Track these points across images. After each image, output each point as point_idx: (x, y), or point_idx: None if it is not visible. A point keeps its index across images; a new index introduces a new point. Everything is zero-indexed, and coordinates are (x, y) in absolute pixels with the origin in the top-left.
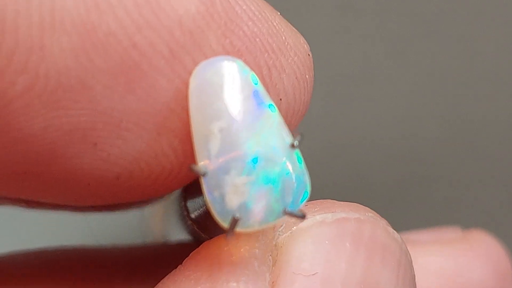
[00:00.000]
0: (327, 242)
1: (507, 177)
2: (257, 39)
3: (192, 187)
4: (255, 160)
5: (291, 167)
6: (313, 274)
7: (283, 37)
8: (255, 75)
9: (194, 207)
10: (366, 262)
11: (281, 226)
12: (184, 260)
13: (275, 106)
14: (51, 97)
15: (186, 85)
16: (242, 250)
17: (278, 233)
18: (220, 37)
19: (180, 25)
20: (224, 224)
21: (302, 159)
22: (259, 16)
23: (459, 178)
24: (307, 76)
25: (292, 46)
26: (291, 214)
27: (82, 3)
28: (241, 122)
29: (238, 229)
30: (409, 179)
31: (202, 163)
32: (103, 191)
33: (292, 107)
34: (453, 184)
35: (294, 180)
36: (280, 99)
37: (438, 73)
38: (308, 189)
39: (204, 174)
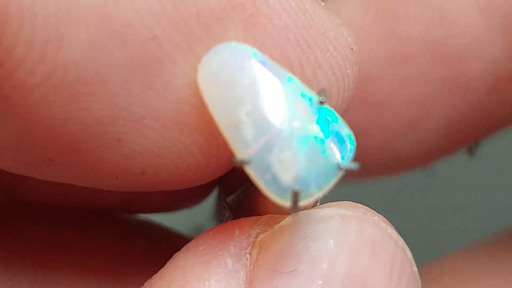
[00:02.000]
0: (308, 239)
1: None
2: (289, 33)
3: (227, 182)
4: (292, 132)
5: (326, 126)
6: (291, 271)
7: (322, 30)
8: (257, 52)
9: (233, 202)
10: (350, 258)
11: (260, 224)
12: (167, 262)
13: (291, 76)
14: (69, 89)
15: None
16: (216, 249)
17: (257, 230)
18: (241, 31)
19: (197, 17)
20: (286, 202)
21: (335, 112)
22: (296, 8)
23: None
24: (348, 71)
25: (332, 40)
26: (347, 168)
27: None
28: (265, 99)
29: (300, 202)
30: None
31: (242, 152)
32: (132, 184)
33: (328, 104)
34: None
35: (334, 136)
36: None
37: None
38: (352, 137)
39: (248, 163)
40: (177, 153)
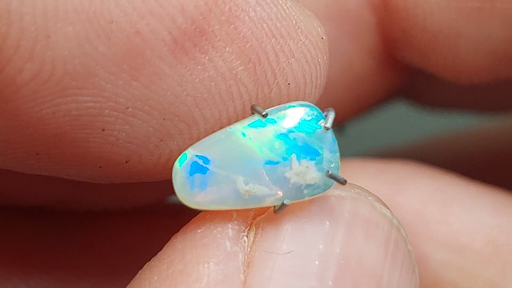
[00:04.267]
0: (303, 220)
1: None
2: (264, 24)
3: None
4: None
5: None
6: (288, 253)
7: (294, 21)
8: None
9: None
10: (346, 238)
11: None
12: (165, 245)
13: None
14: (57, 84)
15: (190, 71)
16: (214, 231)
17: (254, 212)
18: (224, 23)
19: (182, 12)
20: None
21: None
22: (268, 0)
23: None
24: (319, 59)
25: (303, 30)
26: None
27: None
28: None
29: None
30: None
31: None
32: (115, 173)
33: (302, 91)
34: None
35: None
36: (288, 84)
37: None
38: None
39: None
40: (160, 138)
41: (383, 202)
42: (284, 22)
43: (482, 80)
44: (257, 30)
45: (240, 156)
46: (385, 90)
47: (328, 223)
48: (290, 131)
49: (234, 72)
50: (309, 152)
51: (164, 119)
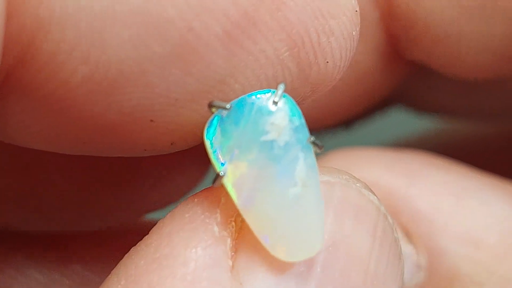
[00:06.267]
0: None
1: None
2: (308, 7)
3: None
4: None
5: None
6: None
7: None
8: None
9: None
10: (335, 223)
11: None
12: (151, 229)
13: None
14: (110, 84)
15: (243, 62)
16: (202, 216)
17: None
18: (274, 11)
19: (235, 4)
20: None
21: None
22: None
23: None
24: (354, 33)
25: (341, 6)
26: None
27: None
28: None
29: None
30: None
31: None
32: (159, 151)
33: (338, 67)
34: None
35: None
36: (327, 62)
37: None
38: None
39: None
40: (205, 122)
41: (370, 188)
42: (326, 1)
43: (485, 76)
44: (302, 14)
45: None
46: (389, 86)
47: None
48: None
49: (281, 57)
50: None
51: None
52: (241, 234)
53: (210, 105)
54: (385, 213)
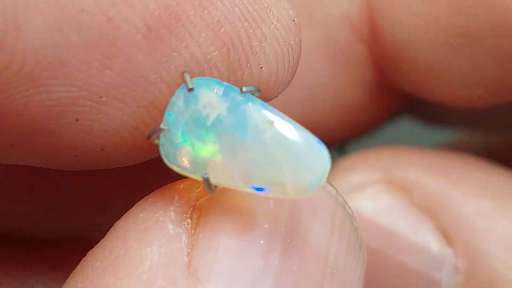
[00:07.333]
0: (248, 200)
1: None
2: (236, 8)
3: None
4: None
5: None
6: (232, 231)
7: (265, 4)
8: None
9: None
10: (291, 215)
11: (199, 188)
12: (107, 232)
13: None
14: (29, 75)
15: (166, 58)
16: (156, 215)
17: (196, 194)
18: (198, 8)
19: None
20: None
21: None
22: None
23: None
24: (291, 42)
25: (275, 13)
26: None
27: None
28: None
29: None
30: None
31: None
32: (90, 161)
33: (275, 74)
34: None
35: None
36: (261, 68)
37: None
38: None
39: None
40: (135, 126)
41: (328, 180)
42: (256, 6)
43: (479, 107)
44: (230, 14)
45: None
46: (382, 116)
47: (272, 202)
48: None
49: (208, 57)
50: None
51: (138, 107)
52: (197, 231)
53: (149, 136)
54: (343, 203)
